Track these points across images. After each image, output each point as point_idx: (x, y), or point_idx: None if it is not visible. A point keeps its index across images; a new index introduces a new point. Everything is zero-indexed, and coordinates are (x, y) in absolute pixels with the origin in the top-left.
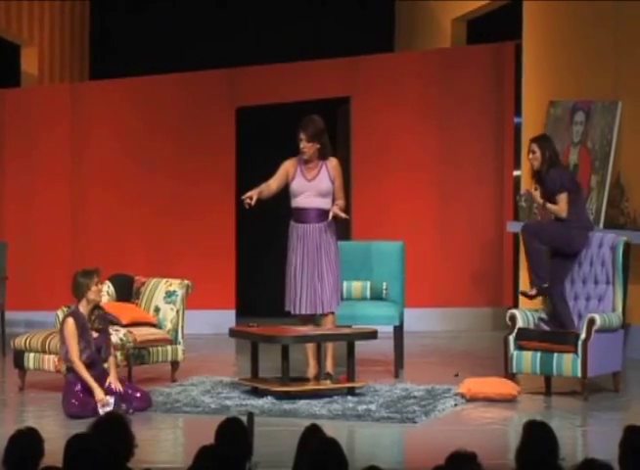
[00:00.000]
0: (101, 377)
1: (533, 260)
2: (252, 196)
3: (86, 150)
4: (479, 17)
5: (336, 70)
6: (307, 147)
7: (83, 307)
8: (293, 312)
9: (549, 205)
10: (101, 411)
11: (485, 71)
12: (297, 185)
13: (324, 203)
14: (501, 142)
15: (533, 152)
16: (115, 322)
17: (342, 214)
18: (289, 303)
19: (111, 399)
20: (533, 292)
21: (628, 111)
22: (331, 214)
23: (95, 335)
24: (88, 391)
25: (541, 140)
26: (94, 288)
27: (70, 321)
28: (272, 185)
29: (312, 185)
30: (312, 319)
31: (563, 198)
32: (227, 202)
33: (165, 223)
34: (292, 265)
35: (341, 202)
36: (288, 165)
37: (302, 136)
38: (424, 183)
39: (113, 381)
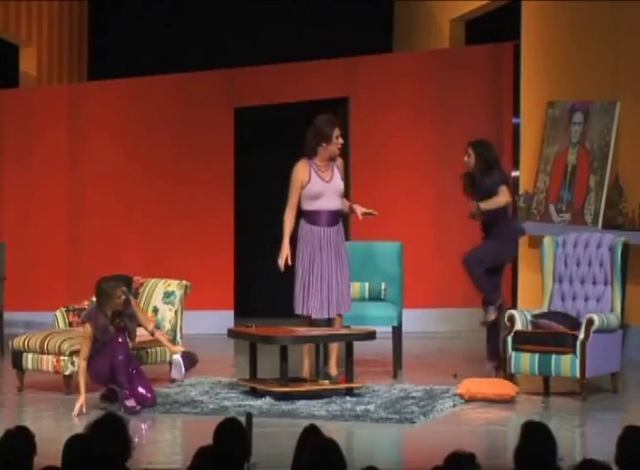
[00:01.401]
0: (131, 381)
1: (482, 285)
2: (288, 254)
3: (84, 150)
4: (477, 17)
5: (334, 70)
6: None
7: (104, 314)
8: (314, 315)
9: (484, 204)
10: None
11: (484, 72)
12: (317, 188)
13: (340, 203)
14: (500, 143)
15: (468, 155)
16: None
17: (373, 211)
18: (304, 305)
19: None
20: (493, 316)
21: (627, 111)
22: (359, 213)
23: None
24: (106, 362)
25: (476, 145)
26: (117, 301)
27: (88, 327)
28: (293, 213)
29: (331, 186)
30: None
31: (503, 190)
32: (226, 202)
33: (164, 224)
34: (313, 269)
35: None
36: (300, 174)
37: (340, 132)
38: (422, 184)
39: (169, 347)
